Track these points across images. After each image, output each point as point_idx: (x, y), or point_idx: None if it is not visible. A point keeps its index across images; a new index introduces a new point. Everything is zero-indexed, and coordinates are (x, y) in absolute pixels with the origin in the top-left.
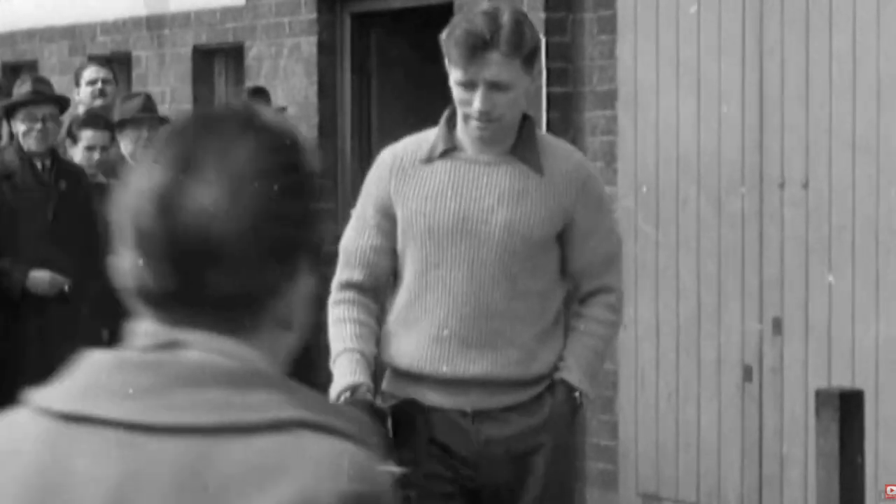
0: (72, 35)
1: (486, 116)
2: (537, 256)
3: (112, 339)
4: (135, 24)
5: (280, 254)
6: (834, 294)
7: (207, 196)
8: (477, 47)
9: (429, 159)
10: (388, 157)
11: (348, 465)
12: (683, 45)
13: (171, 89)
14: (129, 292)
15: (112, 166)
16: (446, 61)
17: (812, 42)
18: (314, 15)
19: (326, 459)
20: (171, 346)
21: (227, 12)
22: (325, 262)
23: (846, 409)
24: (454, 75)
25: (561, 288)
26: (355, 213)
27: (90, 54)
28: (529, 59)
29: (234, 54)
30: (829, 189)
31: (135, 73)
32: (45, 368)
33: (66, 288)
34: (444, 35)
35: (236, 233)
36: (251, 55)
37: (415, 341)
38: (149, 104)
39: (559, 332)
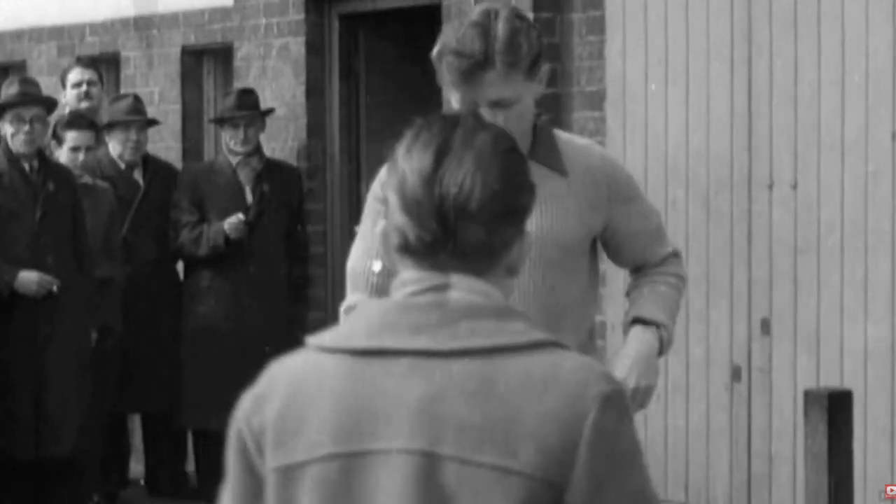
0: (60, 35)
1: None
2: (570, 263)
3: (101, 338)
4: (123, 24)
5: (512, 214)
6: (822, 294)
7: (460, 171)
8: (470, 71)
9: None
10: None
11: (598, 372)
12: (672, 45)
13: (159, 90)
14: (395, 248)
15: (99, 167)
16: (440, 81)
17: (800, 43)
18: (302, 16)
19: (582, 369)
20: (440, 288)
21: (216, 13)
22: (313, 262)
23: (835, 409)
24: (452, 98)
25: (593, 297)
26: (360, 232)
27: (78, 55)
28: (532, 68)
29: (222, 55)
30: (818, 190)
31: (123, 73)
32: (34, 367)
33: (55, 288)
34: (434, 54)
35: (481, 198)
36: (239, 56)
37: None
38: (137, 106)
39: (594, 348)
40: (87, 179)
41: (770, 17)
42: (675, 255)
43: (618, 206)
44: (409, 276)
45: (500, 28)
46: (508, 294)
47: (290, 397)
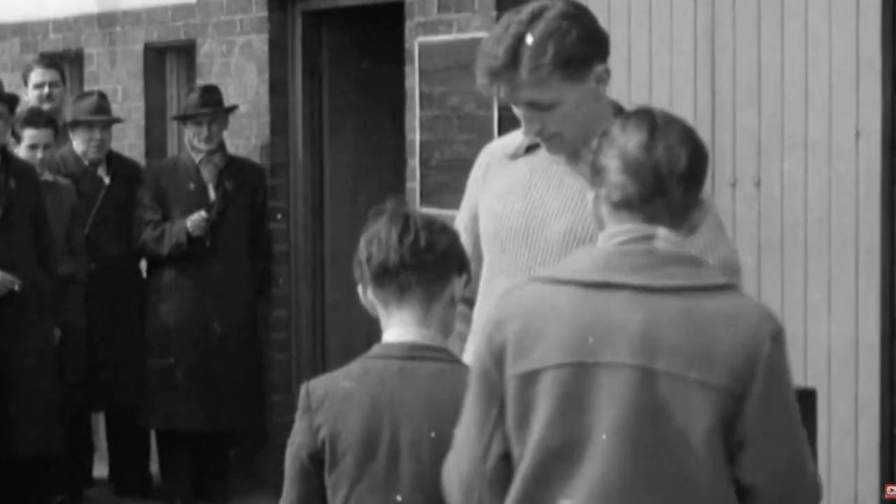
0: (23, 32)
1: (538, 135)
2: None
3: (64, 335)
4: (86, 21)
5: (700, 180)
6: (786, 292)
7: (668, 143)
8: (496, 73)
9: (514, 155)
10: (483, 154)
11: (768, 312)
12: (635, 43)
13: (122, 87)
14: (613, 204)
15: (63, 164)
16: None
17: (764, 41)
18: (265, 13)
19: (757, 307)
20: (647, 237)
21: (179, 10)
22: (276, 260)
23: (799, 408)
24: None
25: None
26: (459, 219)
27: (41, 52)
28: (571, 70)
29: (185, 52)
30: (782, 188)
31: (87, 70)
32: None
33: (17, 287)
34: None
35: (686, 163)
36: (202, 53)
37: (470, 356)
38: (102, 104)
39: None
40: (48, 176)
41: (733, 15)
42: None
43: None
44: (621, 228)
45: (541, 26)
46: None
47: (528, 318)
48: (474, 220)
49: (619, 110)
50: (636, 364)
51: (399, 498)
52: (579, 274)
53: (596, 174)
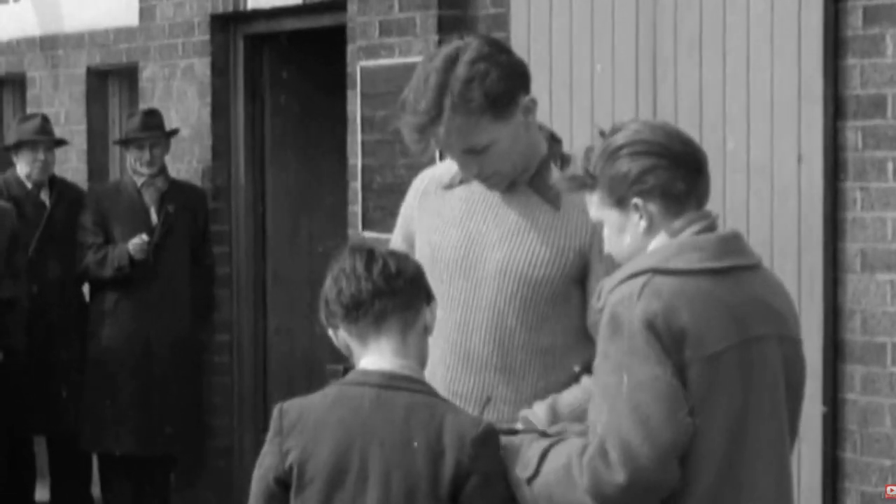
0: None
1: (477, 177)
2: (544, 305)
3: (5, 360)
4: (28, 44)
5: None
6: None
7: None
8: (424, 128)
9: (450, 185)
10: (418, 180)
11: None
12: (577, 68)
13: (65, 110)
14: (671, 198)
15: (6, 187)
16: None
17: (706, 67)
18: (207, 36)
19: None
20: (713, 221)
21: (121, 33)
22: (218, 283)
23: None
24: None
25: (587, 346)
26: (392, 243)
27: None
28: (498, 108)
29: (127, 75)
30: (724, 211)
31: (29, 93)
32: None
33: None
34: (398, 105)
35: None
36: (145, 76)
37: None
38: (45, 126)
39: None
40: None
41: (675, 40)
42: None
43: (595, 253)
44: (688, 218)
45: (460, 71)
46: None
47: (692, 308)
48: (409, 246)
49: (550, 135)
50: (774, 333)
51: None
52: (703, 263)
53: (624, 182)
